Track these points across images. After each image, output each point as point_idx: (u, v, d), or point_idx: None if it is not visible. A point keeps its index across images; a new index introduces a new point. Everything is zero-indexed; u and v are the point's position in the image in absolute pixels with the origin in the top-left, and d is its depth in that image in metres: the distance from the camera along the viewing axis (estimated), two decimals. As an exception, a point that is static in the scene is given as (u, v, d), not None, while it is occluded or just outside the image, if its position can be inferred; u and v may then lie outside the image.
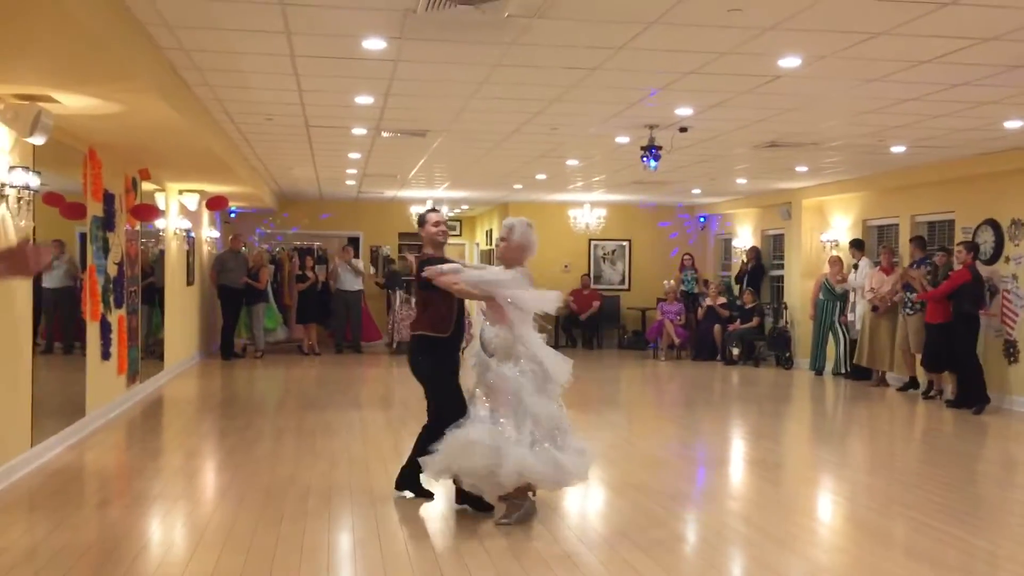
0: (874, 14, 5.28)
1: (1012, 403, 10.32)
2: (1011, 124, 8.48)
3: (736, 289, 16.38)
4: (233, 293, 14.90)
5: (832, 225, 14.34)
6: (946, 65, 6.34)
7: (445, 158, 11.93)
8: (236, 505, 5.99)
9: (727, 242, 18.11)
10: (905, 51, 6.05)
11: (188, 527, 5.53)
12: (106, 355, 8.86)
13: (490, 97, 7.83)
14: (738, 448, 8.73)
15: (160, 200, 11.44)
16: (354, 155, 11.64)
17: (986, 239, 10.86)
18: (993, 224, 10.79)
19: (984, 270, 10.67)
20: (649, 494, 6.40)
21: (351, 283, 16.35)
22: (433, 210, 6.28)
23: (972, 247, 10.52)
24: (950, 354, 10.58)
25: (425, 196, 17.13)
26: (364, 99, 7.91)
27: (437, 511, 6.00)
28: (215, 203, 13.44)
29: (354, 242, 17.88)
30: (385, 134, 9.80)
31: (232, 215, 17.21)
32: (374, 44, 6.02)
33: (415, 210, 17.52)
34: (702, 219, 18.69)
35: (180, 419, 9.70)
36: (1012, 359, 10.40)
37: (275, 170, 13.42)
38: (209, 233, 15.49)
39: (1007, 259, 10.58)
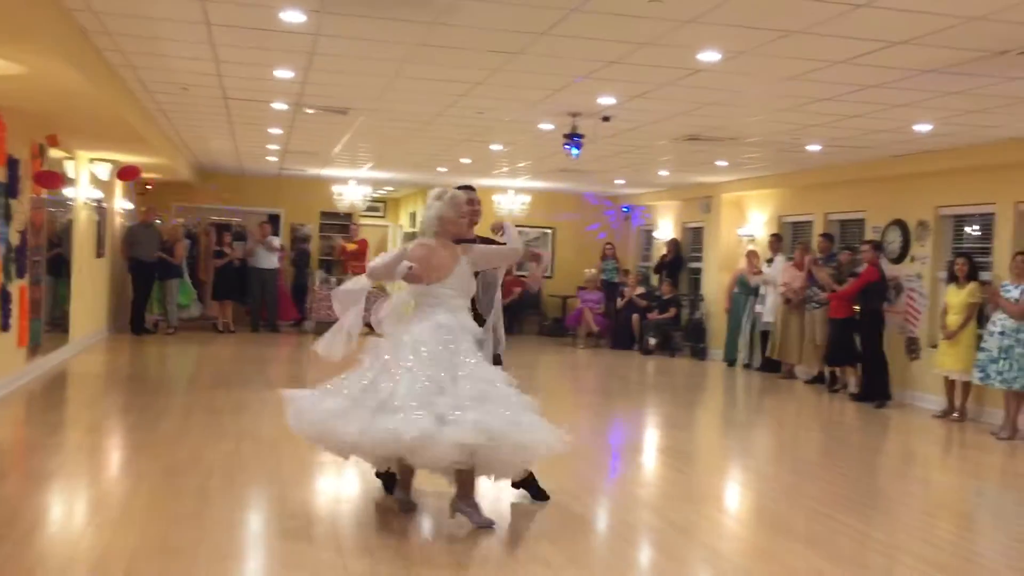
0: (790, 12, 5.37)
1: (912, 398, 10.68)
2: (920, 127, 8.73)
3: (655, 280, 16.60)
4: (145, 267, 14.51)
5: (749, 220, 14.62)
6: (859, 67, 6.50)
7: (369, 137, 11.79)
8: (135, 482, 5.84)
9: (648, 233, 18.31)
10: (820, 51, 6.17)
11: (83, 504, 5.37)
12: (5, 326, 8.54)
13: (414, 77, 7.75)
14: (650, 437, 8.86)
15: (69, 168, 11.04)
16: (275, 130, 11.42)
17: (893, 239, 11.20)
18: (901, 224, 11.13)
19: (890, 269, 11.01)
20: (559, 481, 6.44)
21: (267, 261, 16.08)
22: (466, 187, 5.65)
23: (877, 246, 10.85)
24: (852, 349, 10.89)
25: (349, 175, 16.92)
26: (284, 73, 7.75)
27: (345, 491, 5.94)
28: (127, 173, 13.04)
29: (274, 220, 17.56)
30: (308, 110, 9.63)
31: (149, 187, 16.73)
32: (292, 16, 5.89)
33: (337, 189, 17.29)
34: (625, 209, 18.84)
35: (83, 394, 9.42)
36: (913, 355, 10.75)
37: (192, 143, 13.09)
38: (122, 204, 15.04)
39: (912, 259, 10.93)
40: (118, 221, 14.89)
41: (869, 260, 10.72)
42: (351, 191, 17.32)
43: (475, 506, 5.08)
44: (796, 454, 8.31)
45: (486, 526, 5.02)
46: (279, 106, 9.47)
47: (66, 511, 5.28)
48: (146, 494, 5.52)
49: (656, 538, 5.29)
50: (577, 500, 6.00)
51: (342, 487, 6.09)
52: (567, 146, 9.31)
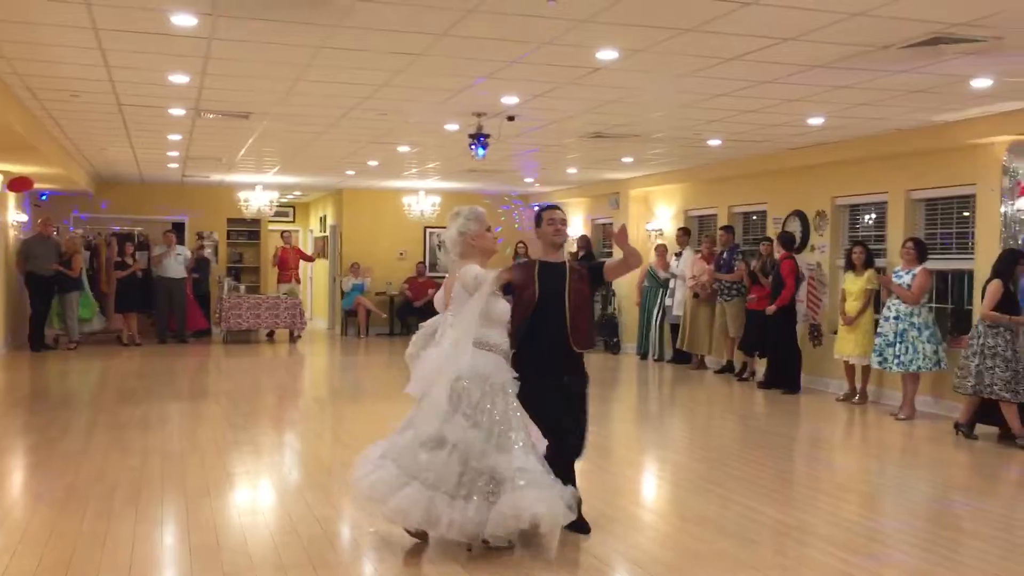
0: (681, 11, 5.48)
1: (817, 383, 11.01)
2: (814, 120, 9.01)
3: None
4: (42, 281, 14.00)
5: (657, 215, 14.87)
6: (752, 63, 6.67)
7: (273, 141, 11.61)
8: (34, 503, 5.64)
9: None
10: (713, 48, 6.31)
11: (-22, 531, 5.15)
12: None
13: (316, 80, 7.66)
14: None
15: (-44, 180, 10.59)
16: (174, 136, 11.15)
17: (794, 229, 11.53)
18: (800, 215, 11.47)
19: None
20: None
21: (175, 270, 15.70)
22: (551, 207, 5.31)
23: (788, 242, 11.06)
24: (767, 338, 11.17)
25: (255, 181, 16.62)
26: (179, 78, 7.57)
27: (255, 505, 5.84)
28: (18, 184, 12.56)
29: (179, 228, 17.14)
30: (208, 115, 9.43)
31: (43, 198, 16.15)
32: (184, 20, 5.76)
33: (243, 195, 16.97)
34: (536, 207, 18.92)
35: (-21, 416, 9.03)
36: (816, 342, 11.09)
37: (88, 151, 12.68)
38: (16, 217, 14.48)
39: (812, 248, 11.28)
40: (12, 234, 14.34)
41: (785, 255, 10.93)
42: (258, 196, 17.03)
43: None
44: (708, 443, 8.49)
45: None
46: (177, 111, 9.25)
47: (-40, 538, 5.06)
48: (47, 515, 5.34)
49: (563, 533, 5.32)
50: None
51: (253, 500, 5.99)
52: (473, 146, 9.32)
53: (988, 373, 7.79)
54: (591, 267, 5.30)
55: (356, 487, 4.81)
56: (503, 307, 4.82)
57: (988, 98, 7.76)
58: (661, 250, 13.98)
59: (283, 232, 18.43)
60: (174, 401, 10.01)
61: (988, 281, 8.01)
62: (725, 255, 12.16)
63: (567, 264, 5.20)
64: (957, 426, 8.21)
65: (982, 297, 8.06)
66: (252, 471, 6.76)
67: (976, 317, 8.43)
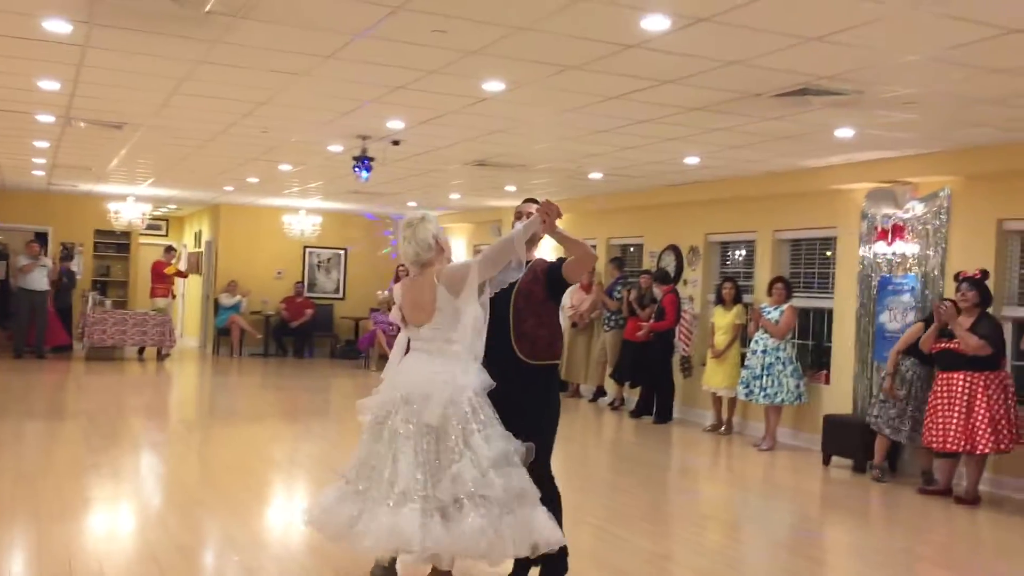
0: (565, 49, 5.61)
1: (687, 414, 11.33)
2: (690, 160, 9.34)
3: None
4: None
5: (539, 245, 15.02)
6: (632, 102, 6.87)
7: (147, 153, 11.23)
8: None
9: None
10: (596, 86, 6.47)
11: None
12: None
13: (194, 94, 7.47)
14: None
15: None
16: (41, 144, 10.66)
17: (669, 263, 11.87)
18: (675, 250, 11.83)
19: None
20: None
21: (39, 282, 14.95)
22: (527, 200, 4.85)
23: (664, 277, 11.35)
24: (642, 369, 11.40)
25: (126, 192, 16.03)
26: (49, 84, 7.26)
27: (111, 528, 5.59)
28: None
29: (41, 238, 16.35)
30: (80, 124, 9.06)
31: None
32: (57, 26, 5.54)
33: (113, 207, 16.34)
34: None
35: None
36: (687, 374, 11.41)
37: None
38: None
39: (685, 282, 11.63)
40: None
41: (667, 289, 11.19)
42: (129, 208, 16.42)
43: None
44: (583, 471, 8.59)
45: None
46: (45, 118, 8.85)
47: None
48: None
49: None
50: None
51: (110, 527, 5.74)
52: (356, 168, 9.26)
53: (880, 406, 8.13)
54: (549, 266, 4.58)
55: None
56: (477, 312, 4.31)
57: (850, 147, 8.21)
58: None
59: (168, 247, 17.76)
60: (29, 419, 9.51)
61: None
62: (612, 285, 12.37)
63: (529, 263, 4.53)
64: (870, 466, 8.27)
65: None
66: (111, 496, 6.49)
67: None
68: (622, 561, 5.43)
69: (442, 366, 4.20)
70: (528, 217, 4.47)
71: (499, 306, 4.39)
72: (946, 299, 7.69)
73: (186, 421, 10.77)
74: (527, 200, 4.77)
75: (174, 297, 17.19)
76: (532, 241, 4.48)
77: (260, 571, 4.79)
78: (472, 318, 4.21)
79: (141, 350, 16.06)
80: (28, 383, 12.37)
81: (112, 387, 12.72)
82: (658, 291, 11.28)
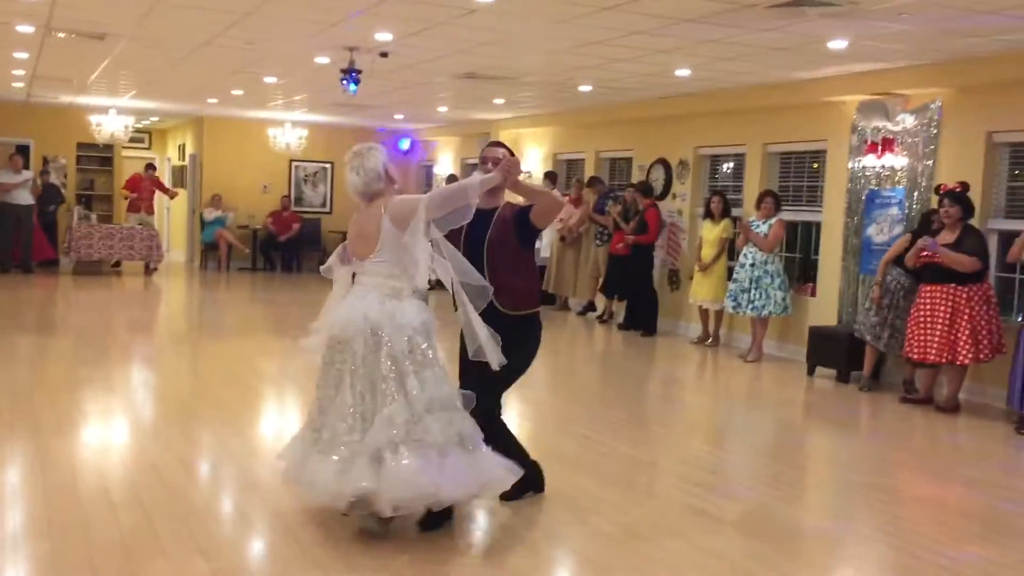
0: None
1: (674, 326, 11.47)
2: (681, 72, 9.25)
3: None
4: None
5: (526, 157, 14.97)
6: (624, 13, 6.77)
7: (130, 65, 11.02)
8: None
9: (428, 169, 18.36)
10: (589, -3, 6.37)
11: None
12: None
13: (178, 5, 7.32)
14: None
15: None
16: (21, 55, 10.44)
17: (658, 176, 11.86)
18: (664, 163, 11.80)
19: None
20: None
21: (22, 196, 14.79)
22: (492, 144, 4.71)
23: (648, 190, 11.40)
24: (629, 282, 11.51)
25: (108, 104, 15.76)
26: (29, -7, 7.10)
27: (111, 441, 5.70)
28: None
29: (23, 150, 16.13)
30: (59, 34, 8.87)
31: None
32: (37, -67, 5.39)
33: (95, 119, 16.08)
34: (403, 141, 18.66)
35: None
36: (675, 287, 11.52)
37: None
38: None
39: (674, 196, 11.64)
40: None
41: (648, 203, 11.24)
42: (111, 121, 16.17)
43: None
44: (570, 383, 8.75)
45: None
46: (24, 28, 8.66)
47: None
48: None
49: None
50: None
51: (109, 438, 5.85)
52: (344, 81, 9.13)
53: (864, 314, 8.30)
54: (517, 212, 4.43)
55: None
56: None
57: (842, 59, 8.15)
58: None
59: (148, 163, 17.50)
60: (20, 334, 9.56)
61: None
62: (601, 200, 12.36)
63: (498, 211, 4.40)
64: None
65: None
66: (107, 409, 6.58)
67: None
68: (607, 468, 5.57)
69: (380, 303, 4.04)
70: (494, 165, 4.35)
71: (472, 259, 4.22)
72: (933, 211, 7.78)
73: (177, 335, 10.84)
74: (492, 144, 4.60)
75: (150, 213, 16.73)
76: (496, 188, 4.35)
77: (259, 484, 4.90)
78: (425, 255, 4.01)
79: (117, 263, 15.90)
80: (16, 298, 12.38)
81: (101, 302, 12.75)
82: (642, 204, 11.32)
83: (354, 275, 4.34)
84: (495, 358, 4.12)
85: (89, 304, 12.49)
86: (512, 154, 4.48)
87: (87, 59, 10.58)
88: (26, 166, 15.50)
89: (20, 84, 13.33)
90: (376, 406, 3.95)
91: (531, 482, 4.70)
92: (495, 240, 4.38)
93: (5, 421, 5.93)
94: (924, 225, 7.86)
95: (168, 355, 9.23)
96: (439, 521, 4.17)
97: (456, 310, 4.20)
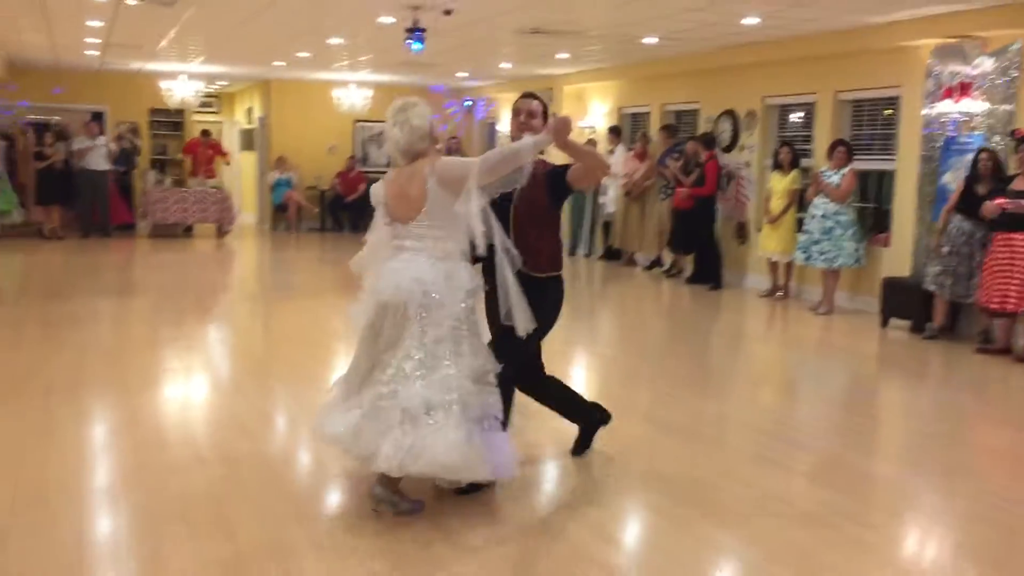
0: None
1: (742, 280, 11.38)
2: (748, 21, 9.06)
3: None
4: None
5: (590, 111, 14.88)
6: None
7: (198, 30, 11.21)
8: (-29, 401, 5.62)
9: (491, 127, 18.34)
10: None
11: (-85, 427, 5.14)
12: None
13: (244, -33, 7.41)
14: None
15: None
16: (94, 23, 10.69)
17: (725, 128, 11.69)
18: (731, 114, 11.62)
19: (721, 158, 11.53)
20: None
21: (98, 161, 15.22)
22: (525, 95, 4.38)
23: (708, 142, 11.30)
24: (693, 236, 11.45)
25: (178, 70, 16.07)
26: (101, -38, 7.25)
27: (194, 397, 5.92)
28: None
29: (98, 117, 16.55)
30: (131, 2, 9.06)
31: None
32: (109, -98, 5.51)
33: (165, 85, 16.41)
34: (468, 102, 18.72)
35: (-100, 311, 8.84)
36: (742, 240, 11.40)
37: (4, 36, 12.08)
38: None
39: (742, 147, 11.47)
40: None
41: (710, 155, 11.15)
42: (182, 86, 16.48)
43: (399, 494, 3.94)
44: (639, 337, 8.77)
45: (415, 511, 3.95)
46: (98, -3, 8.87)
47: None
48: (-16, 412, 5.33)
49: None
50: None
51: (193, 395, 6.06)
52: (409, 41, 9.16)
53: (929, 263, 8.19)
54: (551, 172, 4.24)
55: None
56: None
57: (917, 1, 7.90)
58: (588, 145, 14.03)
59: (203, 129, 17.82)
60: (103, 296, 9.89)
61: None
62: (665, 154, 12.26)
63: (531, 168, 4.06)
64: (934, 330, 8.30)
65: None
66: (188, 366, 6.80)
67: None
68: (677, 419, 5.60)
69: (432, 266, 3.86)
70: (528, 117, 4.21)
71: (498, 215, 3.93)
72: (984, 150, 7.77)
73: (250, 295, 11.10)
74: (525, 95, 4.36)
75: (210, 177, 16.99)
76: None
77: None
78: (478, 221, 3.75)
79: (189, 228, 16.28)
80: (98, 261, 12.79)
81: (177, 264, 13.10)
82: (704, 156, 11.21)
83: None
84: (524, 324, 3.95)
85: (166, 266, 12.85)
86: (545, 106, 4.33)
87: (157, 26, 10.78)
88: (101, 132, 15.91)
89: (94, 52, 13.65)
90: (427, 368, 3.78)
91: (595, 421, 4.78)
92: (525, 198, 4.16)
93: (97, 378, 6.19)
94: (973, 169, 7.85)
95: (243, 314, 9.48)
96: (477, 487, 4.10)
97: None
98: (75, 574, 3.33)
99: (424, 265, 3.86)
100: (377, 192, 4.14)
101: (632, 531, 4.02)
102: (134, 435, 5.00)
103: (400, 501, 3.90)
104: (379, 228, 4.13)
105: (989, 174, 7.74)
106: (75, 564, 3.39)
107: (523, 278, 4.00)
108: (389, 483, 3.86)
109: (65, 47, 13.18)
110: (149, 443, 4.84)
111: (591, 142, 14.05)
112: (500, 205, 4.01)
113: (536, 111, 4.26)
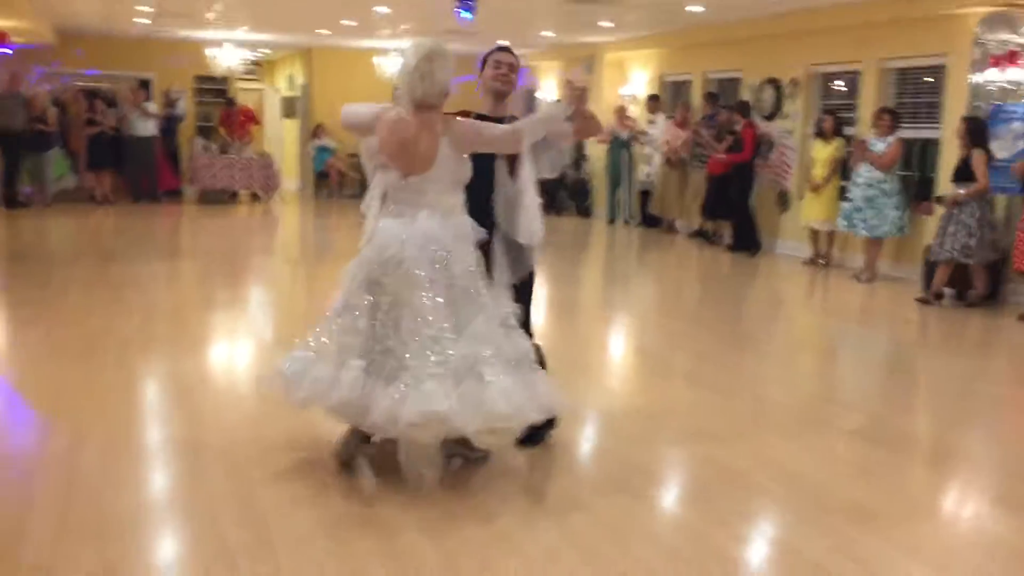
0: None
1: (783, 247, 11.46)
2: (795, -11, 9.10)
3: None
4: (11, 138, 13.84)
5: (631, 80, 14.92)
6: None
7: (247, -2, 11.40)
8: (52, 354, 5.89)
9: (531, 93, 18.38)
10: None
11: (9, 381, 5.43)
12: None
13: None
14: (538, 291, 9.30)
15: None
16: (146, -9, 10.92)
17: (767, 96, 11.72)
18: (774, 83, 11.64)
19: (764, 126, 11.57)
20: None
21: (144, 128, 15.53)
22: (499, 48, 4.22)
23: (744, 109, 11.37)
24: (727, 203, 11.54)
25: (223, 37, 16.27)
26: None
27: (231, 356, 6.17)
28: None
29: (145, 85, 16.84)
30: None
31: (5, 51, 15.70)
32: None
33: (211, 52, 16.64)
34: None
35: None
36: (784, 208, 11.47)
37: (57, 2, 12.34)
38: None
39: (785, 115, 11.51)
40: (-22, 89, 14.06)
41: (746, 123, 11.23)
42: (227, 54, 16.70)
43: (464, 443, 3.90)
44: (678, 302, 8.92)
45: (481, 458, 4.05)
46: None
47: (-16, 385, 5.34)
48: (70, 367, 5.59)
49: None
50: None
51: (239, 352, 6.30)
52: (458, 10, 9.27)
53: (950, 239, 8.23)
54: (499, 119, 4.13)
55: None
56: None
57: (966, -31, 7.91)
58: (620, 111, 14.10)
59: (228, 99, 17.99)
60: (155, 260, 10.18)
61: (969, 152, 8.24)
62: (705, 121, 12.32)
63: (507, 121, 4.03)
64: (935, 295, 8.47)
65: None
66: (236, 328, 7.08)
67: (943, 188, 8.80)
68: (724, 381, 5.77)
69: (438, 220, 3.79)
70: (509, 70, 4.12)
71: (478, 172, 3.91)
72: None
73: (295, 259, 11.37)
74: (504, 48, 4.20)
75: (246, 143, 17.22)
76: (502, 94, 4.14)
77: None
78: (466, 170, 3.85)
79: (234, 194, 16.55)
80: (149, 226, 13.11)
81: (223, 229, 13.39)
82: (740, 124, 11.28)
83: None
84: (508, 276, 4.04)
85: (213, 231, 13.15)
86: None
87: (208, -6, 10.98)
88: (148, 99, 16.19)
89: (145, 20, 13.88)
90: (458, 326, 3.70)
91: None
92: (508, 158, 4.06)
93: (165, 338, 6.46)
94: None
95: (288, 278, 9.74)
96: (540, 435, 4.17)
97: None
98: (173, 516, 3.59)
99: (429, 218, 3.79)
100: (371, 144, 3.93)
101: (680, 482, 4.19)
102: (188, 393, 5.16)
103: (469, 452, 4.00)
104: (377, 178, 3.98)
105: None
106: (164, 508, 3.64)
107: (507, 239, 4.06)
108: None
109: (116, 14, 13.43)
110: (202, 400, 5.03)
111: (620, 108, 14.09)
112: (480, 158, 3.95)
113: (516, 67, 4.19)
